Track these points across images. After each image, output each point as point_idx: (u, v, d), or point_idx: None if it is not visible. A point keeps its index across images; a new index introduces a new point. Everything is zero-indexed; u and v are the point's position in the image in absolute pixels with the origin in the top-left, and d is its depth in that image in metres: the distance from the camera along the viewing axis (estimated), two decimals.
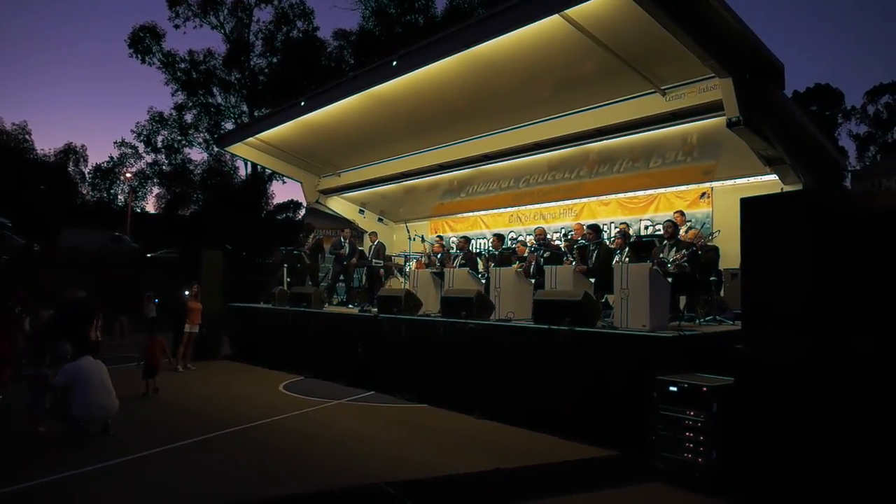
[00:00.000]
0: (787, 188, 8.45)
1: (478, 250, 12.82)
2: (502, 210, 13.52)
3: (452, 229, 14.60)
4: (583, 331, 6.25)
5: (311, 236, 12.38)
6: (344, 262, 11.83)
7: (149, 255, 23.00)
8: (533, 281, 8.79)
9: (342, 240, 12.03)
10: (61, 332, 7.99)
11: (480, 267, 10.32)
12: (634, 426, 5.38)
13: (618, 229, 10.31)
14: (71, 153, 36.20)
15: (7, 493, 4.31)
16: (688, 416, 4.87)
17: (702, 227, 8.52)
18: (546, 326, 6.54)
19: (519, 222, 13.15)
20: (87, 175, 37.54)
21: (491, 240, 11.46)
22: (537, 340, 6.60)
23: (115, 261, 20.03)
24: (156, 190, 37.57)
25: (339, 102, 10.40)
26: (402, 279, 11.47)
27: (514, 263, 9.22)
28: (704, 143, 9.61)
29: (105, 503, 4.32)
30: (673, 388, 5.02)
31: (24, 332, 8.22)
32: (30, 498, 4.32)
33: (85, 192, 37.54)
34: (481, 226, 14.02)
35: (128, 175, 37.16)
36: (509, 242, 11.90)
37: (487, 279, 8.96)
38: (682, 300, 7.73)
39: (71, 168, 36.26)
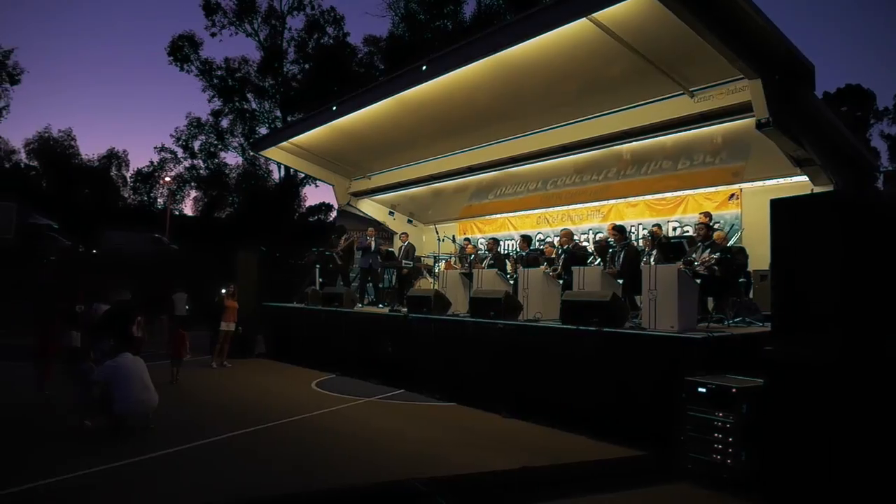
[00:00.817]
0: (818, 189, 8.31)
1: (506, 252, 12.90)
2: (530, 212, 13.57)
3: (481, 231, 14.69)
4: (611, 331, 6.27)
5: (344, 238, 12.64)
6: (370, 261, 12.06)
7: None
8: (561, 282, 8.83)
9: (367, 237, 12.33)
10: (106, 329, 8.39)
11: (509, 268, 10.39)
12: (663, 427, 5.39)
13: (647, 231, 10.27)
14: (113, 158, 37.56)
15: (53, 482, 4.51)
16: (717, 417, 4.86)
17: (730, 228, 8.42)
18: (574, 327, 6.59)
19: (546, 224, 13.17)
20: (128, 179, 38.92)
21: (518, 241, 11.51)
22: (565, 341, 6.64)
23: (155, 261, 20.70)
24: (193, 193, 38.68)
25: (370, 107, 10.62)
26: (431, 279, 11.62)
27: (542, 264, 9.26)
28: (733, 144, 9.51)
29: (143, 494, 4.50)
30: (702, 389, 5.02)
31: (84, 330, 8.65)
32: (74, 488, 4.50)
33: (126, 195, 38.89)
34: (509, 227, 14.08)
35: (167, 179, 38.29)
36: (536, 244, 11.93)
37: (516, 280, 9.03)
38: (711, 302, 7.67)
39: (113, 172, 37.64)
